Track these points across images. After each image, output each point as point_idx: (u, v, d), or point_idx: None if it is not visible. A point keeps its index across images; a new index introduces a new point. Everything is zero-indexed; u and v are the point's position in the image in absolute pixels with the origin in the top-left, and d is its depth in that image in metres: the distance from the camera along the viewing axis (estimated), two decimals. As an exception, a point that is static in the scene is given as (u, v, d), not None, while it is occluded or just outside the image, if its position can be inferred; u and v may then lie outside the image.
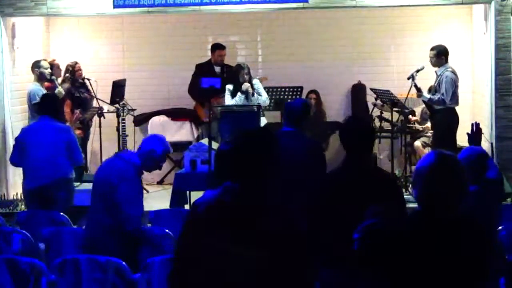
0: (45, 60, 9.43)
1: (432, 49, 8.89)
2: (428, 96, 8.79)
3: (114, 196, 5.21)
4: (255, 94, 8.94)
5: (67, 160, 7.03)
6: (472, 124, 5.53)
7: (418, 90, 8.83)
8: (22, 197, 8.30)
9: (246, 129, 3.21)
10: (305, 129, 6.00)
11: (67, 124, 7.49)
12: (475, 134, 5.46)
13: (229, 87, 9.04)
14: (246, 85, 8.89)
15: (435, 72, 8.90)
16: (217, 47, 10.15)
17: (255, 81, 9.15)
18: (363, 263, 3.12)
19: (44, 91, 8.91)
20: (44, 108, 7.26)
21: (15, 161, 7.36)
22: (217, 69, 10.05)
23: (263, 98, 9.07)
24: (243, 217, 2.93)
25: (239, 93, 8.89)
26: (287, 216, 2.98)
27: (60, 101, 7.68)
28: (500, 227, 5.17)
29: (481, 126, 5.60)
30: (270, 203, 2.99)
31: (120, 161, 5.36)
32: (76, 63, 9.79)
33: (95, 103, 9.94)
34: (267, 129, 3.22)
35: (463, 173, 2.99)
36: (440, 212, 2.95)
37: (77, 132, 9.27)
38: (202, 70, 9.96)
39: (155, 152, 5.43)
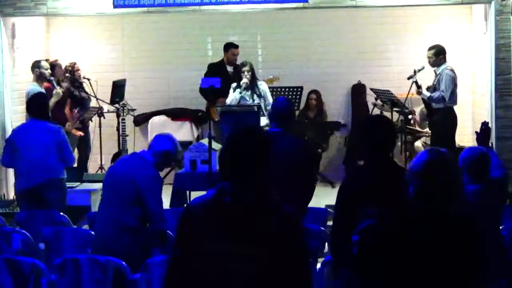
0: (45, 60, 9.42)
1: (430, 48, 8.88)
2: (428, 94, 8.77)
3: (140, 194, 5.17)
4: (262, 98, 8.79)
5: (58, 161, 7.02)
6: (482, 123, 5.50)
7: (419, 87, 8.82)
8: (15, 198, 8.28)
9: (242, 126, 3.13)
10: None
11: (59, 124, 7.44)
12: (484, 133, 5.44)
13: (233, 85, 8.96)
14: (243, 81, 8.79)
15: (434, 71, 8.90)
16: (230, 46, 10.03)
17: (261, 83, 8.97)
18: (361, 266, 3.10)
19: (43, 91, 8.89)
20: (31, 109, 7.24)
21: (6, 162, 7.34)
22: (230, 69, 9.89)
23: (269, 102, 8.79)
24: (243, 217, 2.91)
25: (237, 89, 8.82)
26: (287, 215, 2.96)
27: (47, 101, 7.68)
28: (500, 227, 5.16)
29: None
30: (268, 203, 2.96)
31: (140, 160, 5.31)
32: (75, 64, 9.77)
33: (95, 103, 9.93)
34: (261, 127, 3.14)
35: (456, 168, 3.06)
36: (436, 208, 2.98)
37: (78, 132, 9.27)
38: (214, 70, 9.82)
39: (170, 151, 5.39)
